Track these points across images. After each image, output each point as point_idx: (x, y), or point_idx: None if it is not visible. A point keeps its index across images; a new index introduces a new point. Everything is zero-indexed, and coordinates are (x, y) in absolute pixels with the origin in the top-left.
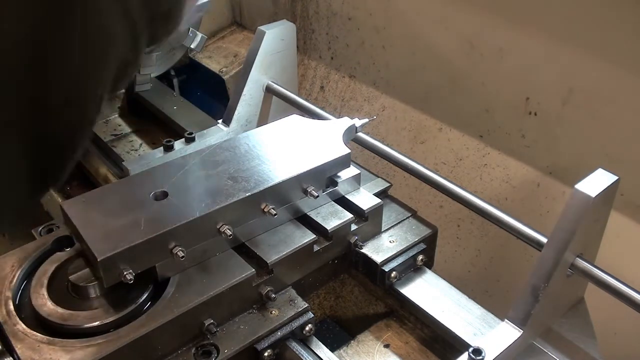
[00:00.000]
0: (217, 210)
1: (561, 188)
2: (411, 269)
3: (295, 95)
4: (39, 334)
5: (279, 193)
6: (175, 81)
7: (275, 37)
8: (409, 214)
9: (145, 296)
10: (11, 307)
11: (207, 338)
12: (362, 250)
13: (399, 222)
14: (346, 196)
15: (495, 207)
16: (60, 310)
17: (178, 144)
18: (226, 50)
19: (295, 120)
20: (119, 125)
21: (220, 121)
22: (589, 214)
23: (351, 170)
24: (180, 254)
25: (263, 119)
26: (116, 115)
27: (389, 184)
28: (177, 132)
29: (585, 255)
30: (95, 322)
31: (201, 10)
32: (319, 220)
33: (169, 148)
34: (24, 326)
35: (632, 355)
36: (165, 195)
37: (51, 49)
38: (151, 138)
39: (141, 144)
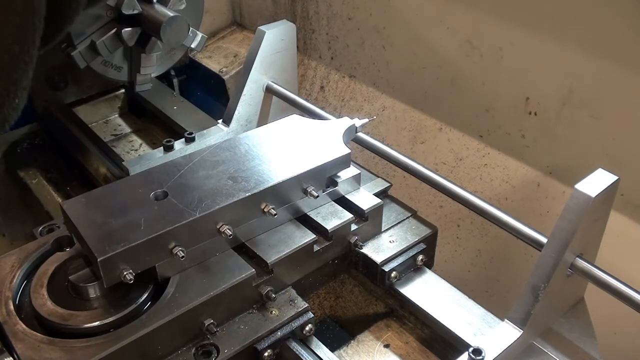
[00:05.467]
0: (217, 210)
1: (561, 188)
2: (411, 269)
3: (295, 95)
4: (39, 334)
5: (279, 193)
6: (175, 81)
7: (275, 37)
8: (409, 214)
9: (145, 296)
10: (11, 307)
11: (207, 338)
12: (362, 250)
13: (399, 222)
14: (346, 196)
15: (495, 207)
16: (60, 310)
17: (178, 144)
18: (226, 50)
19: (295, 120)
20: (119, 125)
21: (220, 121)
22: (589, 214)
23: (351, 170)
24: (180, 254)
25: (263, 119)
26: (116, 115)
27: (389, 184)
28: (177, 132)
29: (585, 255)
30: (95, 322)
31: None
32: (319, 220)
33: (169, 148)
34: (24, 326)
35: (632, 355)
36: (165, 195)
37: None
38: (151, 138)
39: (141, 144)
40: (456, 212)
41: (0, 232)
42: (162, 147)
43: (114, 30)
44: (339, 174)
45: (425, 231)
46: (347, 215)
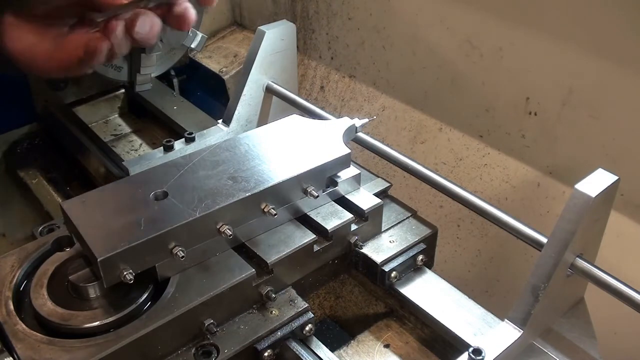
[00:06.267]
0: (217, 210)
1: (561, 188)
2: (411, 269)
3: (295, 95)
4: (39, 334)
5: (279, 193)
6: (175, 81)
7: (275, 37)
8: (409, 214)
9: (145, 296)
10: (11, 307)
11: (207, 338)
12: (362, 250)
13: (399, 222)
14: (346, 196)
15: (495, 207)
16: (60, 310)
17: (178, 144)
18: (226, 50)
19: (295, 120)
20: (119, 125)
21: (220, 121)
22: (589, 214)
23: (351, 170)
24: (180, 254)
25: (263, 119)
26: (116, 115)
27: (389, 184)
28: (177, 132)
29: (585, 255)
30: (95, 322)
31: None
32: (319, 220)
33: (169, 148)
34: (24, 326)
35: (632, 355)
36: (165, 195)
37: None
38: (151, 138)
39: (141, 144)
40: (456, 212)
41: (0, 232)
42: (162, 147)
43: None
44: (339, 174)
45: (425, 231)
46: (347, 215)
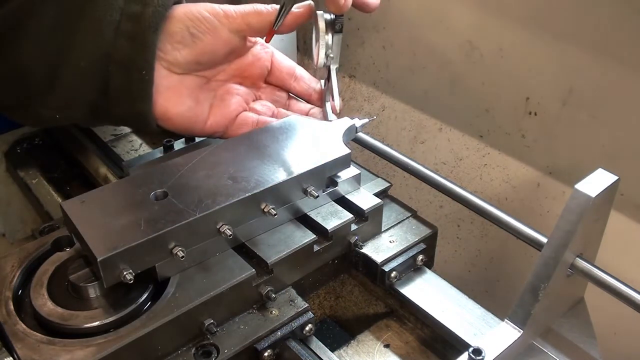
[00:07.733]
0: (217, 210)
1: (561, 188)
2: (411, 269)
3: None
4: (39, 334)
5: (279, 193)
6: None
7: (275, 37)
8: (409, 214)
9: (145, 296)
10: (11, 307)
11: (207, 338)
12: (362, 250)
13: (399, 222)
14: (346, 196)
15: (495, 207)
16: (60, 310)
17: (178, 144)
18: None
19: (295, 120)
20: None
21: None
22: (589, 214)
23: (351, 170)
24: (180, 254)
25: None
26: None
27: (389, 184)
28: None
29: (585, 255)
30: (95, 322)
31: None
32: (319, 220)
33: (169, 148)
34: (24, 326)
35: (632, 355)
36: (165, 195)
37: None
38: (151, 138)
39: (141, 144)
40: (456, 212)
41: (0, 232)
42: (162, 147)
43: None
44: (339, 174)
45: (425, 231)
46: (347, 215)
